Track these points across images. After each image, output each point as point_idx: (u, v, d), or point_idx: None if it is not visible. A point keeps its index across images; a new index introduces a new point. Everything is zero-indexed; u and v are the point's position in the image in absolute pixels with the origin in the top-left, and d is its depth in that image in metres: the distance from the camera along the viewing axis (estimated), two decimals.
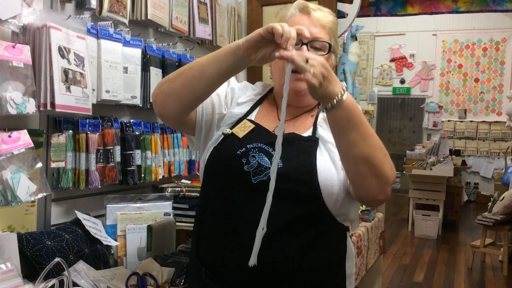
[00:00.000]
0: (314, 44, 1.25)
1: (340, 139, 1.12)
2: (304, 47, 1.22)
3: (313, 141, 1.24)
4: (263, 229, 1.03)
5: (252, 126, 1.28)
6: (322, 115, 1.31)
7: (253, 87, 1.43)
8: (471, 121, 9.95)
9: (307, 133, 1.27)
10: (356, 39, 6.33)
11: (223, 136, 1.28)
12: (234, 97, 1.37)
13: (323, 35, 1.28)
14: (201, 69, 1.18)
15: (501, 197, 5.15)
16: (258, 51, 1.13)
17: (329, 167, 1.20)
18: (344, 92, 1.06)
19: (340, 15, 3.46)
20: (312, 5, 1.30)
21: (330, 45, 1.28)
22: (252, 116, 1.33)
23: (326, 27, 1.29)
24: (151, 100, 1.29)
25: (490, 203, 5.36)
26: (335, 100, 1.05)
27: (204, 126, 1.33)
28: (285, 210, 1.14)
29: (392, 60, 10.44)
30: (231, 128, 1.29)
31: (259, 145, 1.22)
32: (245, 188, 1.19)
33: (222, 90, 1.37)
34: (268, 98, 1.39)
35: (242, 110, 1.34)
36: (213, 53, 1.20)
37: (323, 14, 1.31)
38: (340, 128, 1.09)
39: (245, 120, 1.30)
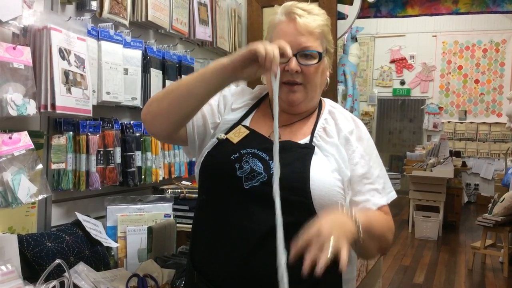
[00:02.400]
0: (303, 54, 1.22)
1: (363, 249, 1.19)
2: (293, 59, 1.21)
3: (309, 149, 1.22)
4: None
5: (247, 132, 1.27)
6: (321, 123, 1.30)
7: (251, 91, 1.42)
8: (471, 123, 9.95)
9: (304, 140, 1.26)
10: (356, 41, 6.34)
11: (217, 141, 1.27)
12: (227, 104, 1.36)
13: (312, 43, 1.23)
14: (188, 89, 1.20)
15: (502, 199, 5.15)
16: (243, 70, 1.14)
17: (323, 176, 1.18)
18: (358, 223, 1.10)
19: (340, 16, 3.47)
20: (298, 10, 1.23)
21: (320, 54, 1.24)
22: (247, 122, 1.31)
23: (315, 32, 1.23)
24: (141, 118, 1.33)
25: (490, 205, 5.35)
26: (359, 233, 1.10)
27: (196, 137, 1.33)
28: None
29: (392, 61, 10.44)
30: (226, 133, 1.28)
31: (253, 150, 1.21)
32: (237, 193, 1.18)
33: (215, 99, 1.35)
34: (265, 101, 1.38)
35: (237, 115, 1.33)
36: (199, 72, 1.21)
37: (311, 18, 1.23)
38: (362, 246, 1.17)
39: (240, 126, 1.29)
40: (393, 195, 1.32)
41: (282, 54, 1.13)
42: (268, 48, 1.09)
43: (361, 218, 1.11)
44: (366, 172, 1.26)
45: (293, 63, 1.21)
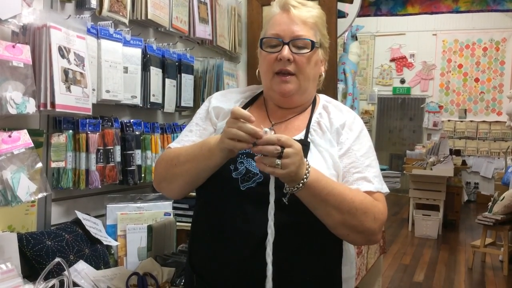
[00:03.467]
0: (296, 43, 1.23)
1: (312, 210, 1.14)
2: (286, 47, 1.21)
3: (304, 145, 1.21)
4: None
5: None
6: (316, 118, 1.29)
7: (241, 90, 1.42)
8: (471, 121, 9.95)
9: (299, 136, 1.25)
10: (356, 39, 6.33)
11: None
12: (220, 112, 1.34)
13: (305, 32, 1.23)
14: (196, 175, 1.21)
15: (501, 197, 5.15)
16: (233, 154, 1.14)
17: None
18: (307, 174, 1.07)
19: (341, 15, 3.45)
20: (293, 2, 1.26)
21: (313, 42, 1.24)
22: None
23: (308, 22, 1.24)
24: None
25: (490, 203, 5.36)
26: (300, 184, 1.06)
27: None
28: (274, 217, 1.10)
29: (392, 60, 10.44)
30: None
31: (247, 150, 1.18)
32: (234, 195, 1.18)
33: (207, 123, 1.36)
34: (258, 100, 1.38)
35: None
36: (198, 159, 1.19)
37: (305, 10, 1.26)
38: (308, 203, 1.12)
39: None
40: (385, 188, 1.25)
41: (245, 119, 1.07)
42: (236, 133, 1.05)
43: (315, 175, 1.08)
44: (354, 161, 1.23)
45: (286, 51, 1.21)
